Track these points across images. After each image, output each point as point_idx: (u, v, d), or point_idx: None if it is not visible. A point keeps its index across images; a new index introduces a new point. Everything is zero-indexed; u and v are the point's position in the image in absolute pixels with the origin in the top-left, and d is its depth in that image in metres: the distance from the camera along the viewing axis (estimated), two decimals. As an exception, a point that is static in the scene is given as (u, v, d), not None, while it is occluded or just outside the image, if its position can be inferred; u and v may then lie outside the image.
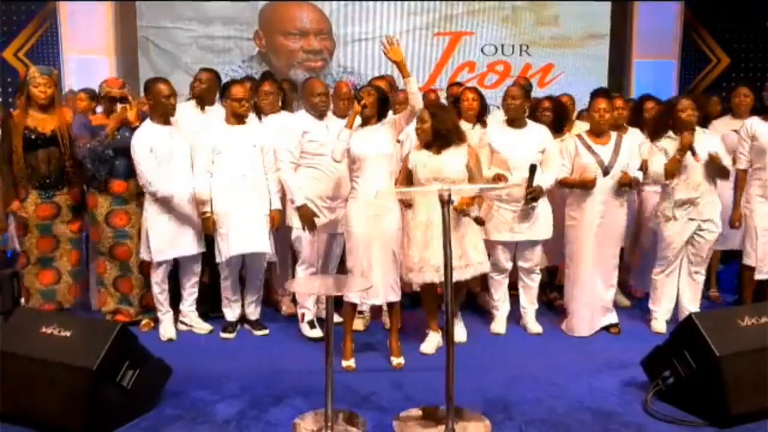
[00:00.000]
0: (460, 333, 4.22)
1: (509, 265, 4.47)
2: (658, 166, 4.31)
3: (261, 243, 4.30)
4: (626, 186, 4.29)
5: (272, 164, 4.35)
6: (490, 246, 4.35)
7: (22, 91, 4.34)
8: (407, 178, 4.00)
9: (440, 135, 3.89)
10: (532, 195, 4.16)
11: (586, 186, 4.27)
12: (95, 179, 4.37)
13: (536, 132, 4.38)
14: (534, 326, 4.52)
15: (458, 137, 3.95)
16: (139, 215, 4.37)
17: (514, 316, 4.60)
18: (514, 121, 4.34)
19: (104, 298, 4.54)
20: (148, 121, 4.26)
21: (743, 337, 3.15)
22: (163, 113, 4.23)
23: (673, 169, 4.25)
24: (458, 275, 3.78)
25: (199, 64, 7.63)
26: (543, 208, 4.38)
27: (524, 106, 4.37)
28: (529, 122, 4.42)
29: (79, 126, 4.38)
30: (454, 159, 3.90)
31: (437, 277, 3.84)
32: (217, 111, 4.74)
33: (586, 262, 4.37)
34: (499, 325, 4.49)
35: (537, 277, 4.55)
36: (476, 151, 4.04)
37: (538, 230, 4.37)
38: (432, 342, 4.12)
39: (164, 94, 4.19)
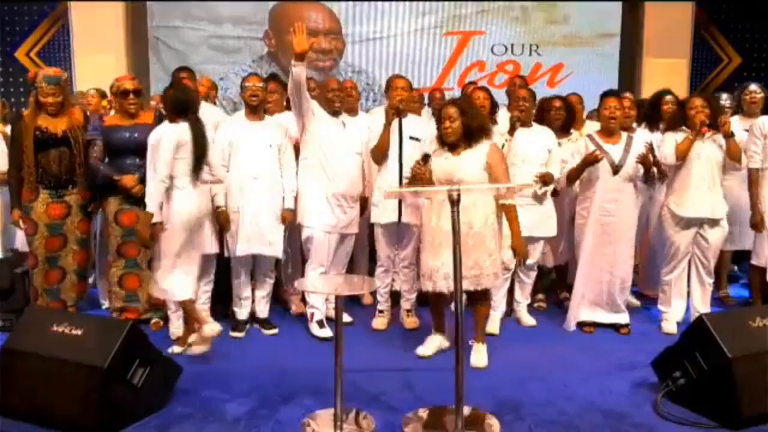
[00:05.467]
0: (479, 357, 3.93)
1: (513, 265, 4.48)
2: (668, 147, 4.33)
3: (267, 246, 4.32)
4: (642, 164, 4.24)
5: (290, 162, 4.37)
6: None
7: (34, 95, 4.37)
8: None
9: (471, 132, 3.73)
10: (545, 179, 4.28)
11: (589, 162, 4.24)
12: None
13: (542, 131, 4.56)
14: (528, 319, 4.64)
15: (486, 134, 3.80)
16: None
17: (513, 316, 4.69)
18: (524, 121, 4.45)
19: (112, 296, 4.57)
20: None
21: (755, 339, 3.13)
22: None
23: (684, 149, 4.26)
24: (468, 285, 3.69)
25: (209, 64, 7.69)
26: (548, 206, 4.45)
27: (533, 107, 4.58)
28: (533, 123, 4.58)
29: (91, 128, 4.41)
30: (469, 160, 3.73)
31: (446, 287, 3.73)
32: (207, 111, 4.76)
33: (591, 260, 4.37)
34: (493, 325, 4.47)
35: (533, 274, 4.66)
36: (499, 151, 3.86)
37: (543, 228, 4.44)
38: (432, 344, 4.02)
39: None
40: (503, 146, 4.25)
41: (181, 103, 3.91)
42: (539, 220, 4.42)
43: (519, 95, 4.55)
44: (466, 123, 3.72)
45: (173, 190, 3.86)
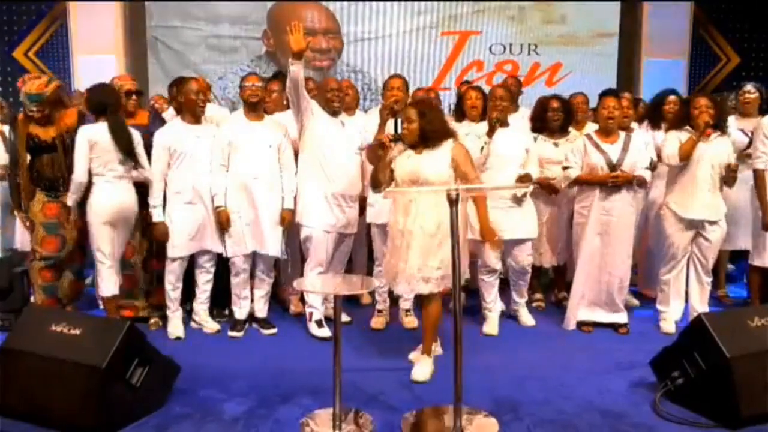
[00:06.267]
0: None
1: (499, 265, 4.48)
2: (672, 148, 4.32)
3: (268, 244, 4.32)
4: (614, 182, 4.24)
5: (289, 162, 4.37)
6: (480, 246, 4.38)
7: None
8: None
9: (427, 136, 3.61)
10: (523, 181, 4.24)
11: (603, 182, 4.26)
12: None
13: (519, 130, 4.50)
14: (527, 319, 4.62)
15: (447, 138, 3.66)
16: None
17: (511, 316, 4.66)
18: (502, 121, 4.34)
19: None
20: (177, 120, 4.31)
21: (753, 338, 3.13)
22: (192, 112, 4.26)
23: (688, 150, 4.24)
24: (416, 287, 3.59)
25: (208, 64, 7.68)
26: (528, 207, 4.42)
27: (510, 108, 4.46)
28: (510, 121, 4.49)
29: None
30: (432, 160, 3.60)
31: (406, 290, 3.65)
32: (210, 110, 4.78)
33: (589, 260, 4.37)
34: (492, 326, 4.48)
35: (526, 276, 4.61)
36: (464, 147, 3.71)
37: (524, 229, 4.40)
38: (424, 368, 3.69)
39: (193, 91, 4.23)
40: (482, 149, 4.21)
41: (96, 104, 4.09)
42: (520, 221, 4.38)
43: (496, 95, 4.40)
44: (423, 126, 3.60)
45: (92, 187, 4.10)
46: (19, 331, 3.26)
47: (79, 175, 4.07)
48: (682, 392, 3.23)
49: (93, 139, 4.02)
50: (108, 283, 4.21)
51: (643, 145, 4.43)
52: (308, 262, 4.37)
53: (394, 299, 4.65)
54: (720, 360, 3.02)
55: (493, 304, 4.53)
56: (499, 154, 4.29)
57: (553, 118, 4.78)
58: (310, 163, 4.31)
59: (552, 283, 5.30)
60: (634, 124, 5.04)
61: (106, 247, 4.15)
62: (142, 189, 4.29)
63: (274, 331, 4.47)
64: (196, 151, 4.24)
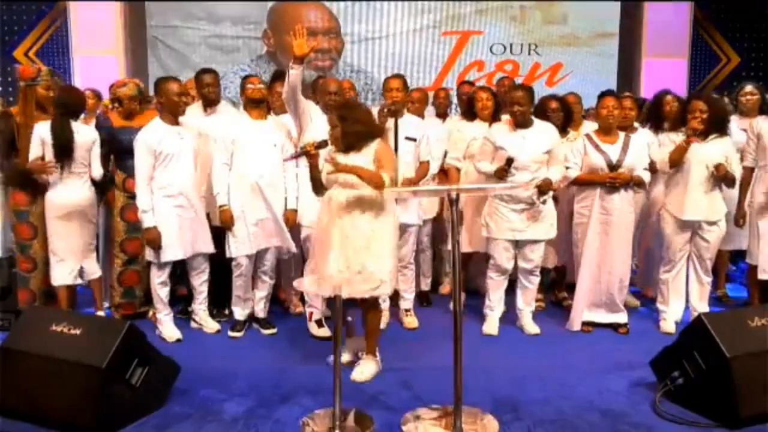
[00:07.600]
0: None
1: (510, 266, 4.42)
2: (664, 154, 4.34)
3: (273, 239, 4.34)
4: (612, 183, 4.24)
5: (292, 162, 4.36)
6: (493, 245, 4.37)
7: (26, 95, 4.41)
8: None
9: (349, 141, 3.54)
10: (542, 188, 4.18)
11: (604, 182, 4.26)
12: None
13: (542, 131, 4.32)
14: (531, 327, 4.46)
15: (371, 138, 3.58)
16: None
17: (512, 318, 4.60)
18: (522, 123, 4.29)
19: (112, 291, 4.62)
20: (157, 120, 4.25)
21: (753, 338, 3.13)
22: (172, 112, 4.22)
23: (676, 157, 4.26)
24: (350, 290, 3.28)
25: (208, 64, 7.65)
26: (547, 207, 4.35)
27: (530, 110, 4.34)
28: (535, 121, 4.36)
29: (99, 130, 4.49)
30: (357, 160, 3.53)
31: (330, 291, 3.41)
32: (223, 109, 4.79)
33: (590, 260, 4.37)
34: (492, 326, 4.45)
35: (536, 279, 4.48)
36: (388, 148, 3.66)
37: (540, 230, 4.34)
38: (364, 367, 3.67)
39: (174, 92, 4.19)
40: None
41: (57, 103, 4.34)
42: (535, 221, 4.31)
43: (514, 98, 4.24)
44: (345, 130, 3.53)
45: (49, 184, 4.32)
46: (19, 331, 3.27)
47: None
48: (681, 392, 3.23)
49: (41, 136, 4.25)
50: (56, 273, 4.34)
51: (645, 145, 4.42)
52: (308, 262, 4.36)
53: (395, 299, 4.65)
54: (720, 360, 3.02)
55: (496, 304, 4.50)
56: (517, 162, 4.21)
57: (553, 117, 4.76)
58: (309, 163, 4.31)
59: (552, 283, 5.30)
60: (637, 124, 5.03)
61: (58, 241, 4.30)
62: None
63: (274, 331, 4.47)
64: (181, 152, 4.19)
